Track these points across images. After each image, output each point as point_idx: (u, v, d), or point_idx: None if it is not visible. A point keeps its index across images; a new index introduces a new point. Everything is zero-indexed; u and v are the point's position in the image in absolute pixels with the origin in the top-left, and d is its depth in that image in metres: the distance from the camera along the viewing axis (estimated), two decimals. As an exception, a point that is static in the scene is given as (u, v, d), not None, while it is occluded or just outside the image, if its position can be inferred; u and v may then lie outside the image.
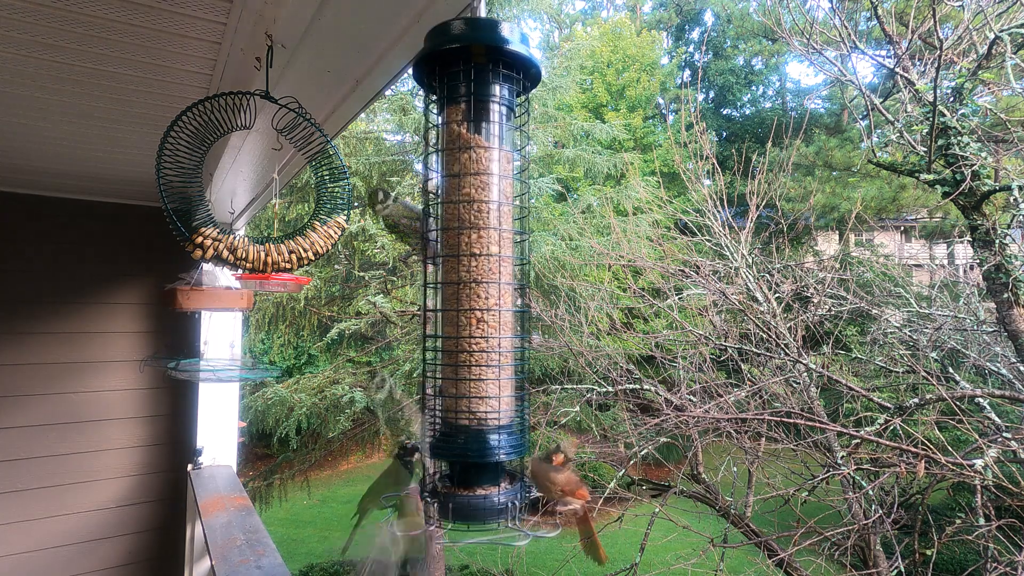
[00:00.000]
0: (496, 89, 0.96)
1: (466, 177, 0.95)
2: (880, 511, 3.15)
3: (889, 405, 3.32)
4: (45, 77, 1.54)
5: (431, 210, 1.02)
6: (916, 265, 14.47)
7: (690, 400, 4.26)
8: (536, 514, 1.03)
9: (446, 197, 0.97)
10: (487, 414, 0.94)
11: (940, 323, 4.72)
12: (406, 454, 1.14)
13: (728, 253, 4.87)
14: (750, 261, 4.87)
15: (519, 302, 1.05)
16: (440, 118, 0.99)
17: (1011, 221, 3.62)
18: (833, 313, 4.92)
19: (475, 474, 0.94)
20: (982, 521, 3.02)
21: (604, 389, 4.54)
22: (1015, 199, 3.48)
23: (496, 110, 0.97)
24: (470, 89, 0.95)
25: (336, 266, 8.57)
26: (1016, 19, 3.48)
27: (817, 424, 3.03)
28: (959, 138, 3.64)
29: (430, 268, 1.02)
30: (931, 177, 3.74)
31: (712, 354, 4.55)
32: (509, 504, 0.92)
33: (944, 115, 3.58)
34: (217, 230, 1.23)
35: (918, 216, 15.25)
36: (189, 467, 2.85)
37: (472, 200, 0.94)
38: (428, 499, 0.95)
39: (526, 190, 1.05)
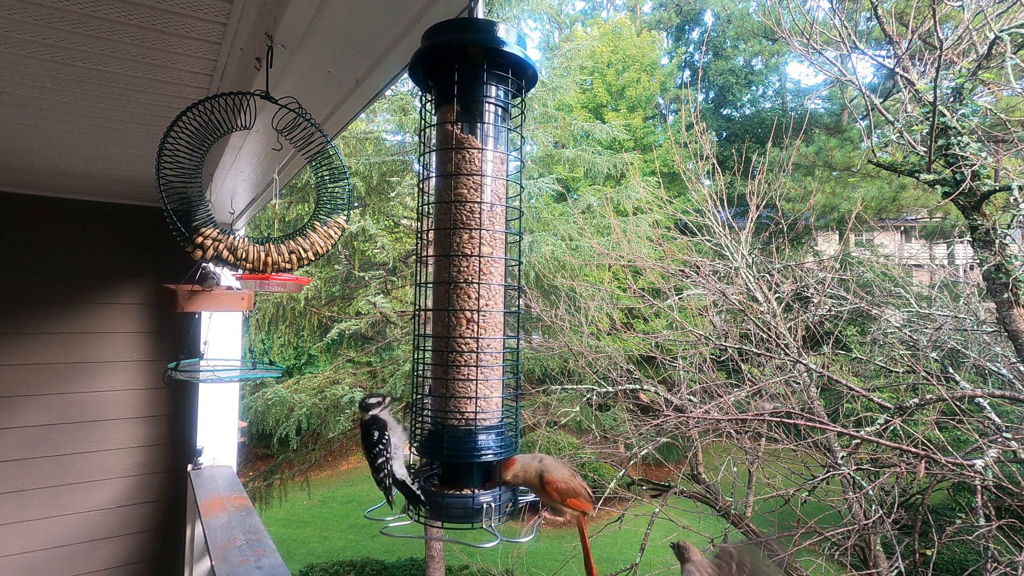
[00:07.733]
0: (490, 90, 0.95)
1: (459, 177, 0.94)
2: (880, 511, 3.15)
3: (889, 405, 3.31)
4: (45, 77, 1.54)
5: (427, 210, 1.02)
6: (916, 265, 14.45)
7: (690, 400, 4.25)
8: (536, 515, 1.02)
9: (439, 197, 0.97)
10: (475, 415, 0.93)
11: (940, 323, 4.72)
12: None
13: (728, 253, 4.87)
14: (750, 261, 4.87)
15: (516, 303, 1.05)
16: (435, 117, 0.99)
17: (1011, 221, 3.62)
18: (833, 313, 4.92)
19: (463, 474, 0.93)
20: (982, 521, 3.02)
21: (604, 389, 4.54)
22: (1015, 199, 3.48)
23: (490, 111, 0.96)
24: (464, 89, 0.94)
25: (336, 266, 8.57)
26: (1016, 19, 3.48)
27: (817, 424, 3.03)
28: (959, 138, 3.64)
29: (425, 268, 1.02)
30: (931, 177, 3.74)
31: (712, 354, 4.54)
32: (490, 505, 0.90)
33: (944, 115, 3.58)
34: (217, 230, 1.24)
35: (918, 216, 15.24)
36: (189, 467, 2.85)
37: (464, 200, 0.94)
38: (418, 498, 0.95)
39: (521, 191, 1.04)
